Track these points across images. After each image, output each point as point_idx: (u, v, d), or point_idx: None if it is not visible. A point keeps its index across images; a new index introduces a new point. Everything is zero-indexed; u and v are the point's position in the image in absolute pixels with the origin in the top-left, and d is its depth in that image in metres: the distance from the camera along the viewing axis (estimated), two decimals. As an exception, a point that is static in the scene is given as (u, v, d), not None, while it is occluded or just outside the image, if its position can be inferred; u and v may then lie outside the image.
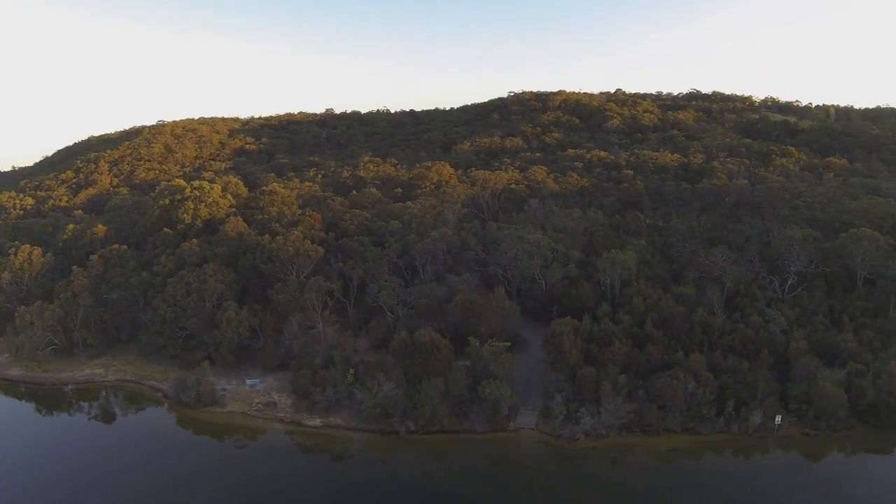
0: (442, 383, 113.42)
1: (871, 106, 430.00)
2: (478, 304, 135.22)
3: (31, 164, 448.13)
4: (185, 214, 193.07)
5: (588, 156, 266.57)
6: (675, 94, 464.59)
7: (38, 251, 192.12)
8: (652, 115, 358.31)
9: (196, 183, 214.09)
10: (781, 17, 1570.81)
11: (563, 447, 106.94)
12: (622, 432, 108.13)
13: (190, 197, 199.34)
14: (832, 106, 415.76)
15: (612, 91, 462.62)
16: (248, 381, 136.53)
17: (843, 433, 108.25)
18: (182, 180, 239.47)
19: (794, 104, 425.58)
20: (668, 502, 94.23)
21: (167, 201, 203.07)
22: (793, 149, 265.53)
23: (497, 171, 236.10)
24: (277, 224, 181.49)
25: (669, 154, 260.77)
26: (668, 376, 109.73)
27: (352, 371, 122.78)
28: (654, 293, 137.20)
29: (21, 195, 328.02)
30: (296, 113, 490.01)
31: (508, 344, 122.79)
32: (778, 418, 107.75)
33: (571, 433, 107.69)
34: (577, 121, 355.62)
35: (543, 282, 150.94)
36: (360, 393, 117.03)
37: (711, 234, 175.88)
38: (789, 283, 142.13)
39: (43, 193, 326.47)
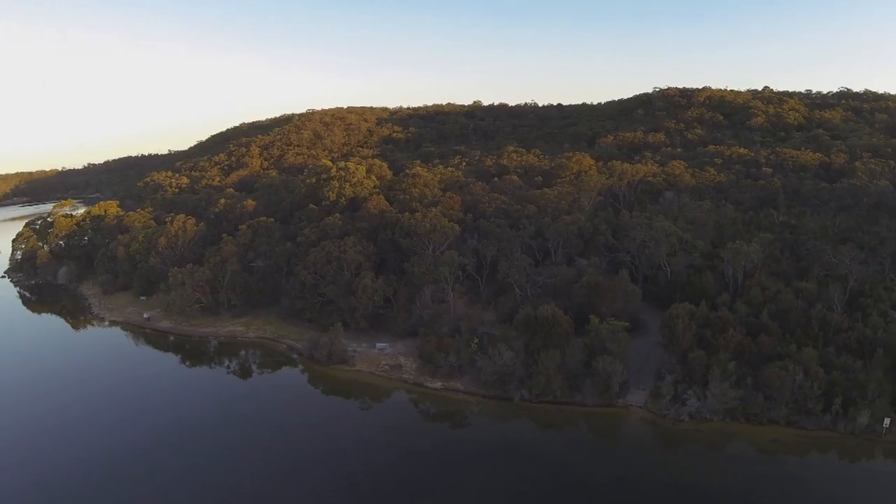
0: (559, 356, 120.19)
1: None
2: (602, 286, 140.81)
3: (185, 147, 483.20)
4: (331, 192, 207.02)
5: (728, 152, 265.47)
6: (825, 92, 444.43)
7: (191, 220, 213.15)
8: (797, 114, 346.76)
9: (342, 163, 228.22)
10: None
11: (666, 427, 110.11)
12: (726, 418, 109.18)
13: (336, 176, 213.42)
14: None
15: (760, 89, 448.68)
16: (378, 345, 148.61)
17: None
18: (329, 161, 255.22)
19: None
20: (761, 493, 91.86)
21: (314, 180, 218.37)
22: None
23: (636, 164, 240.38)
24: (418, 203, 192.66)
25: (811, 153, 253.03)
26: (777, 366, 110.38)
27: (476, 340, 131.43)
28: (775, 286, 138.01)
29: (176, 175, 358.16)
30: (444, 104, 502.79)
31: (626, 324, 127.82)
32: (886, 421, 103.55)
33: (676, 414, 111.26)
34: (721, 118, 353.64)
35: (668, 269, 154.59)
36: (481, 360, 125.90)
37: (845, 234, 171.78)
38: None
39: (197, 174, 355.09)
